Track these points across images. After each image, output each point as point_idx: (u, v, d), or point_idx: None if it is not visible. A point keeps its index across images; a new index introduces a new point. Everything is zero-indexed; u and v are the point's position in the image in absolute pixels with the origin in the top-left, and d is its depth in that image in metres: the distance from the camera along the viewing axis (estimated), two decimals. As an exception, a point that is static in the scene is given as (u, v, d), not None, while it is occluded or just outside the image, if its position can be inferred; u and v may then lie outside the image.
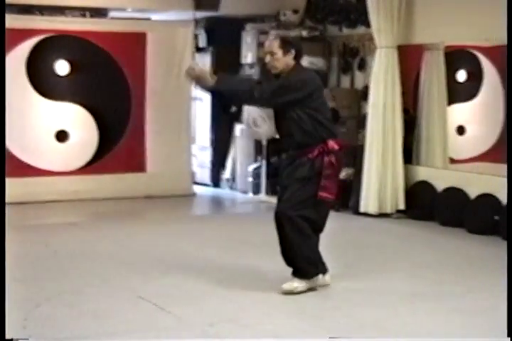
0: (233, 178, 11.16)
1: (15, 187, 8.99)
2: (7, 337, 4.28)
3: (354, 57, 10.11)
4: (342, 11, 9.96)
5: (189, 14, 10.37)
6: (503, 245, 7.50)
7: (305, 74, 5.87)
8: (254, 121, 9.97)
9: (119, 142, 10.35)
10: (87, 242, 7.64)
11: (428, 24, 8.86)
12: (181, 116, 10.60)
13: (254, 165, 10.65)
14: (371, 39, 9.19)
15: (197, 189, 10.91)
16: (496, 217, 7.97)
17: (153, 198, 10.30)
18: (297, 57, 5.80)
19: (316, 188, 5.69)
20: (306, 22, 10.50)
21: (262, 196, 10.32)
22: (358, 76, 10.09)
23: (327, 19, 10.22)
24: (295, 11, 10.50)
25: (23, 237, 7.63)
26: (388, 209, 8.96)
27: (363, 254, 7.20)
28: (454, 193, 8.55)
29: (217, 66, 11.14)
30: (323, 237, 5.95)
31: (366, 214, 8.96)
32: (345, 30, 10.11)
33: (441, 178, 8.82)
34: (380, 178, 8.92)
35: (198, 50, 11.11)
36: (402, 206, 8.96)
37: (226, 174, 11.27)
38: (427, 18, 8.86)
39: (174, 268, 6.53)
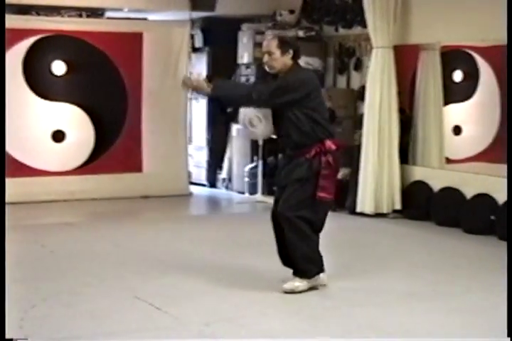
0: (229, 178, 11.17)
1: (11, 187, 8.95)
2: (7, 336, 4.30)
3: (350, 58, 10.12)
4: (338, 11, 9.96)
5: (185, 14, 10.38)
6: (500, 245, 7.51)
7: (303, 74, 5.87)
8: (251, 121, 9.97)
9: (115, 142, 10.35)
10: (84, 242, 7.64)
11: (424, 24, 8.86)
12: (178, 116, 10.61)
13: (251, 165, 10.65)
14: (367, 39, 9.20)
15: (193, 189, 10.92)
16: (492, 217, 7.97)
17: (149, 198, 10.30)
18: (295, 57, 5.80)
19: (314, 189, 5.69)
20: (303, 22, 10.50)
21: (259, 196, 10.32)
22: (354, 76, 10.09)
23: (323, 19, 10.22)
24: (291, 11, 10.50)
25: (20, 237, 7.62)
26: (384, 209, 8.96)
27: (360, 254, 7.21)
28: (450, 193, 8.55)
29: (213, 66, 11.18)
30: (320, 237, 5.95)
31: (362, 214, 8.97)
32: (342, 31, 10.11)
33: (437, 178, 8.83)
34: (377, 178, 8.92)
35: (195, 50, 11.12)
36: (398, 206, 8.97)
37: (222, 174, 11.27)
38: (423, 18, 8.87)
39: (171, 268, 6.54)
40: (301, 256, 5.79)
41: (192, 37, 10.89)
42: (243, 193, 10.72)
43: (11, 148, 9.54)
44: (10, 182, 8.94)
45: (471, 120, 9.69)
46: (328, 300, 5.74)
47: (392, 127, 8.96)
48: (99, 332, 4.98)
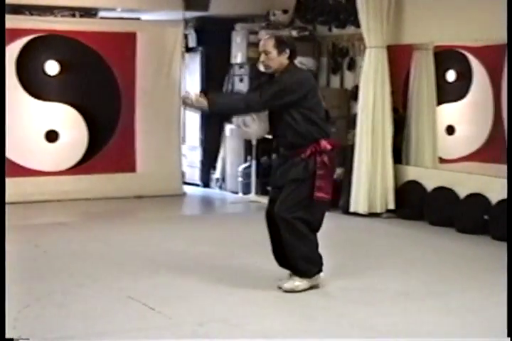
0: (223, 178, 11.16)
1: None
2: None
3: (344, 57, 10.13)
4: (331, 11, 9.96)
5: (179, 14, 10.37)
6: (493, 244, 7.53)
7: (300, 74, 5.87)
8: (244, 121, 9.97)
9: (109, 142, 10.34)
10: (77, 242, 7.63)
11: (417, 24, 8.87)
12: (171, 116, 10.60)
13: (244, 165, 10.65)
14: (361, 39, 9.21)
15: (187, 189, 10.92)
16: (486, 217, 7.98)
17: (143, 198, 10.30)
18: (291, 57, 5.80)
19: (310, 189, 5.69)
20: (296, 22, 10.51)
21: (252, 196, 10.32)
22: (348, 76, 10.10)
23: (317, 19, 10.23)
24: (285, 11, 10.51)
25: (13, 237, 7.57)
26: (378, 209, 8.97)
27: (353, 254, 7.21)
28: (444, 193, 8.56)
29: (207, 66, 11.17)
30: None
31: (356, 214, 8.97)
32: (335, 30, 10.11)
33: (430, 178, 8.83)
34: (370, 178, 8.93)
35: (188, 50, 11.12)
36: (391, 205, 8.98)
37: (216, 174, 11.27)
38: (416, 18, 8.87)
39: (164, 268, 6.53)
40: (299, 257, 5.79)
41: (185, 37, 10.89)
42: (237, 193, 10.72)
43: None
44: (3, 182, 8.94)
45: (464, 120, 9.71)
46: (323, 299, 5.73)
47: (386, 127, 8.97)
48: (92, 332, 4.97)
